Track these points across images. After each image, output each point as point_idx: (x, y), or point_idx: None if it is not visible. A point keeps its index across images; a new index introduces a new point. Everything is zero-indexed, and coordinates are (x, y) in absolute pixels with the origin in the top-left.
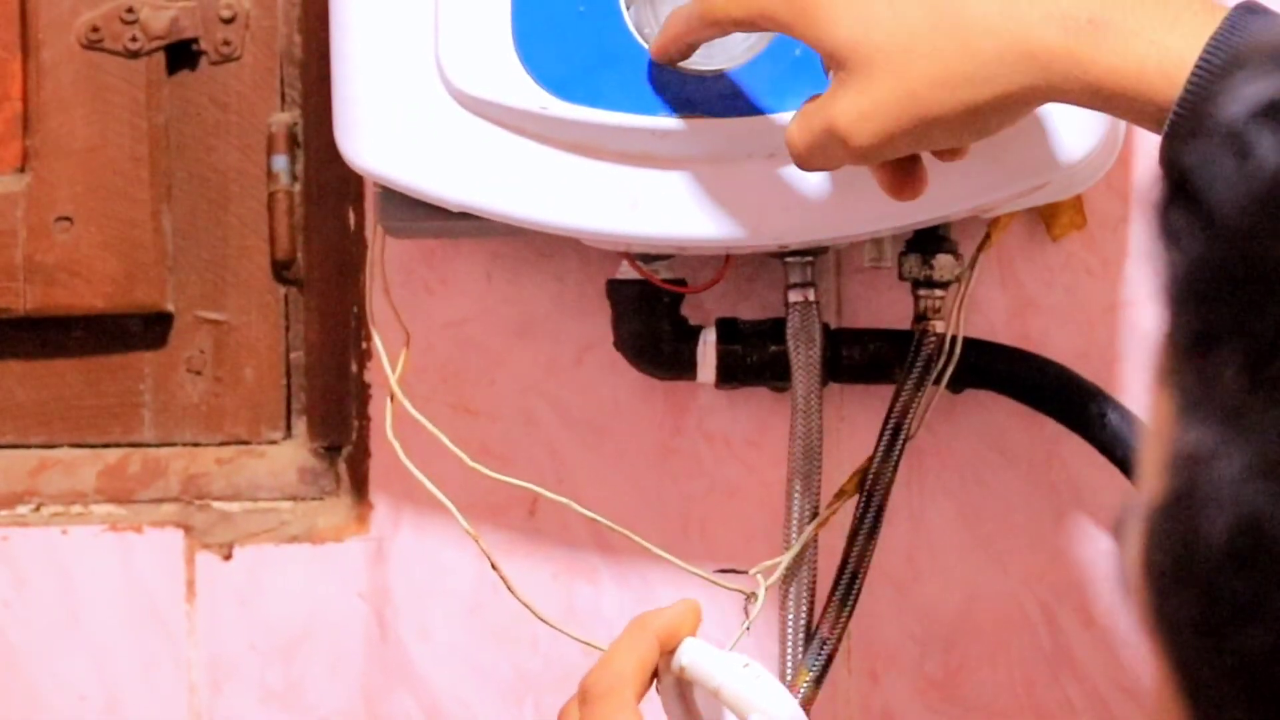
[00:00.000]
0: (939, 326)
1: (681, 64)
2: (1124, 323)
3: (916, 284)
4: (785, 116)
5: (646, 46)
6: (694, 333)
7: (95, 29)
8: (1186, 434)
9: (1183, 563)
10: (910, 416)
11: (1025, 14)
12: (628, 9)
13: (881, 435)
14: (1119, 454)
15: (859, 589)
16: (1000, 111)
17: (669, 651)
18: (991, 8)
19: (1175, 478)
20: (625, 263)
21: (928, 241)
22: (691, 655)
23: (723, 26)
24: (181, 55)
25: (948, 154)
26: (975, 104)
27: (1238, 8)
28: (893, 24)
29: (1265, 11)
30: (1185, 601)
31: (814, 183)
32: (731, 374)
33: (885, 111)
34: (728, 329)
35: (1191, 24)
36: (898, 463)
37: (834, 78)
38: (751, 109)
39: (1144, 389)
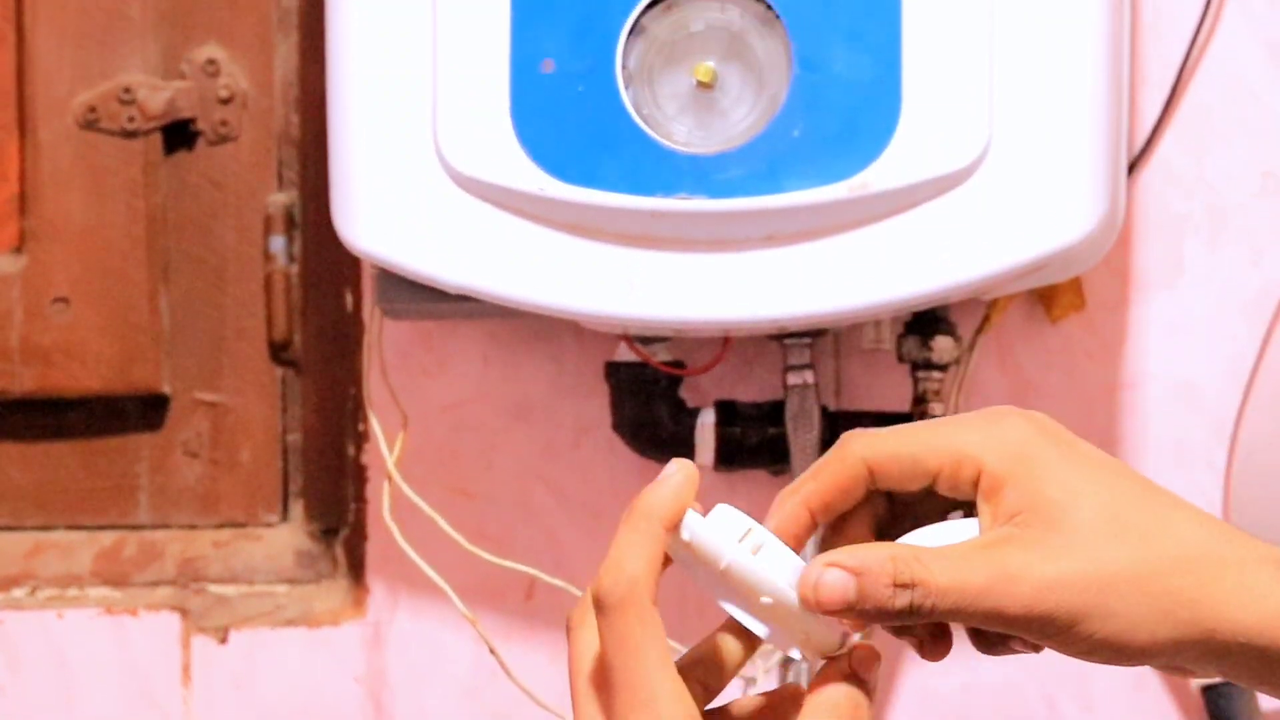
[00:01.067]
0: (938, 409)
1: (681, 145)
2: (1123, 404)
3: (915, 366)
4: (783, 198)
5: (645, 127)
6: (692, 415)
7: (92, 109)
8: None
9: None
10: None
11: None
12: (626, 90)
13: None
14: None
15: None
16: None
17: (674, 528)
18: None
19: None
20: (623, 344)
21: (927, 324)
22: (693, 531)
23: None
24: (179, 136)
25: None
26: (1139, 651)
27: None
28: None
29: None
30: None
31: (813, 266)
32: (730, 456)
33: (1066, 597)
34: (726, 411)
35: None
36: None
37: (1009, 529)
38: (751, 190)
39: (1143, 470)
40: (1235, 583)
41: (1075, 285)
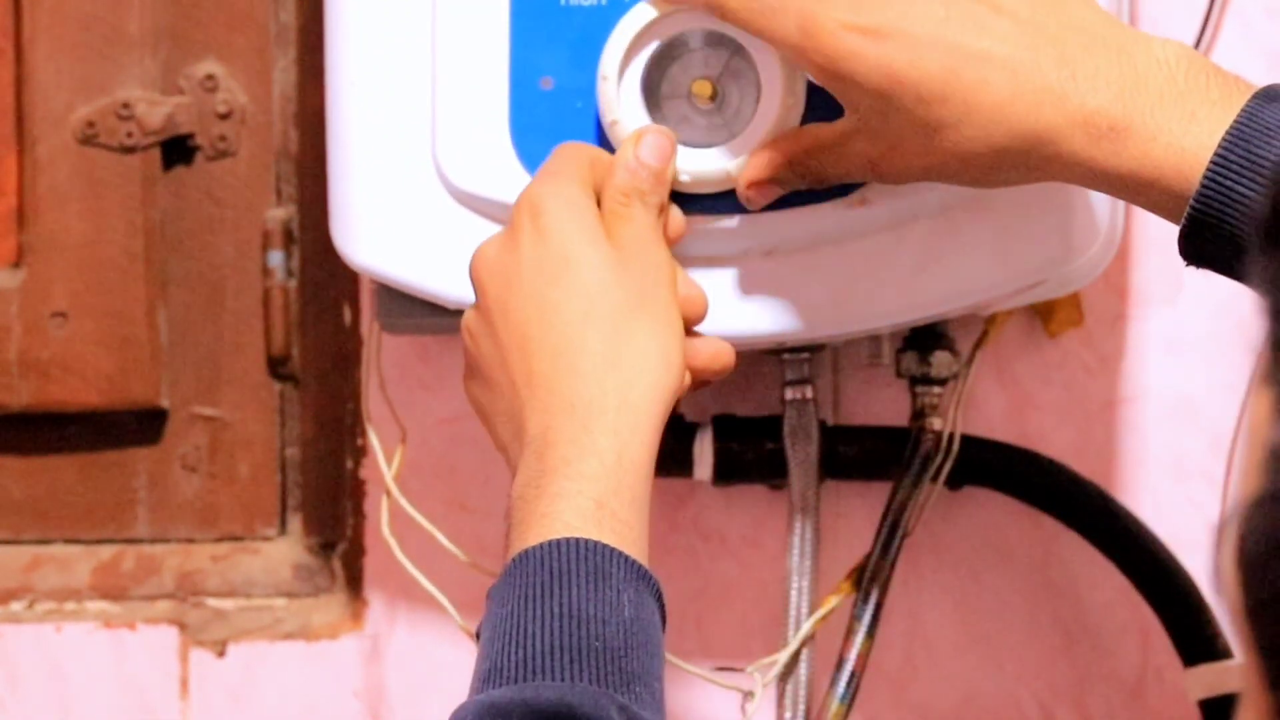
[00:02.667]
0: (936, 424)
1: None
2: (1122, 419)
3: (914, 381)
4: (783, 214)
5: None
6: (691, 430)
7: (91, 124)
8: None
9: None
10: (908, 514)
11: (1049, 117)
12: None
13: (879, 533)
14: (1117, 551)
15: (856, 687)
16: (1008, 184)
17: None
18: (1015, 106)
19: (1276, 467)
20: None
21: (925, 339)
22: None
23: (724, 15)
24: (177, 151)
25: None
26: (984, 180)
27: (1256, 97)
28: (917, 83)
29: None
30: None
31: (812, 282)
32: (728, 471)
33: (905, 162)
34: (724, 426)
35: (1208, 120)
36: (895, 560)
37: (861, 119)
38: (747, 207)
39: (1141, 486)
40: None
41: (1074, 301)
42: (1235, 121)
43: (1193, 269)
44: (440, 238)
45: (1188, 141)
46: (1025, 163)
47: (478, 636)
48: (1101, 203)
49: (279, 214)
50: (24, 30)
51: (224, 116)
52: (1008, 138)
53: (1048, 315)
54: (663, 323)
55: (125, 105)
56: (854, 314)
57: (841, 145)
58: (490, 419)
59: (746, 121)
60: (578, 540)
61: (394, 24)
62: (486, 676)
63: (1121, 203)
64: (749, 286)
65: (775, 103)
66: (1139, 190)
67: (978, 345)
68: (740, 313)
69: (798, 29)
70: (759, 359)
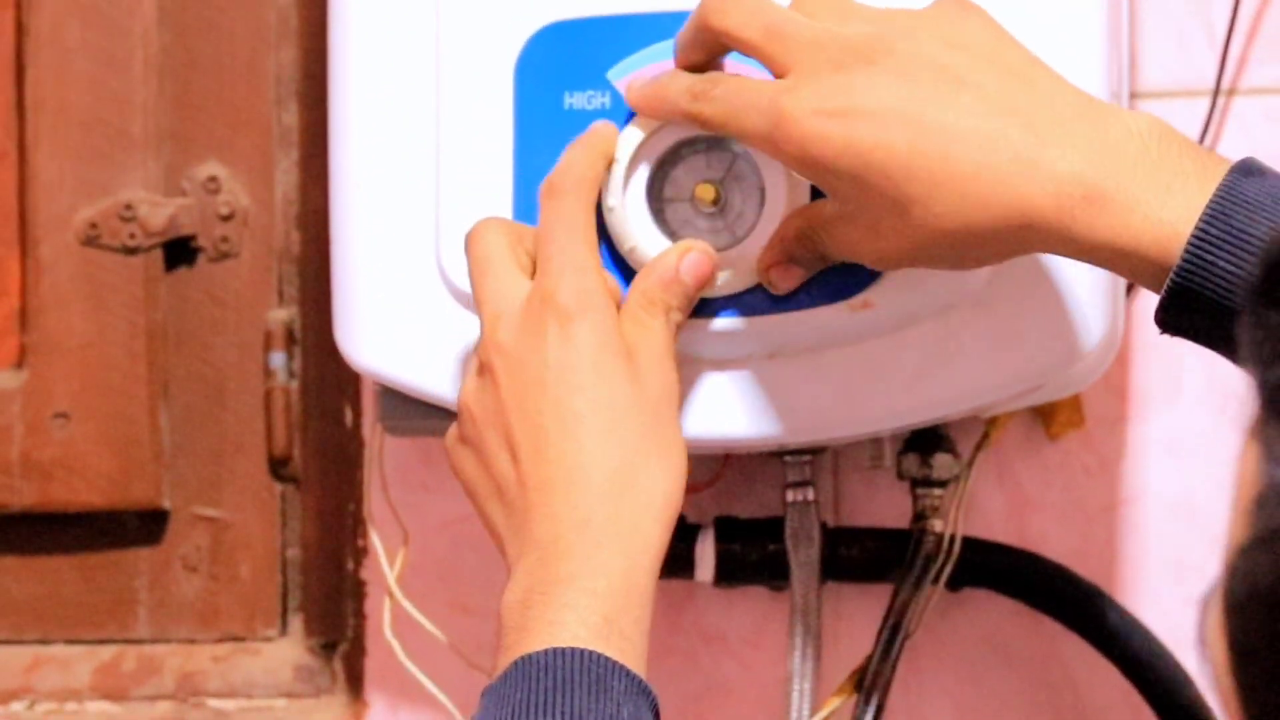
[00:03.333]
0: (937, 525)
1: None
2: (1122, 521)
3: (915, 483)
4: (785, 317)
5: None
6: (692, 531)
7: (93, 225)
8: (1275, 473)
9: (1267, 589)
10: (909, 615)
11: (1021, 186)
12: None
13: (880, 634)
14: (1118, 653)
15: None
16: (990, 262)
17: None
18: (984, 177)
19: (1263, 514)
20: None
21: (926, 441)
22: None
23: (703, 124)
24: (180, 252)
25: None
26: (966, 259)
27: (1233, 170)
28: (884, 161)
29: (1261, 172)
30: (1264, 622)
31: (814, 384)
32: (730, 573)
33: (885, 244)
34: (726, 527)
35: (1184, 193)
36: (896, 662)
37: (841, 202)
38: (753, 309)
39: (1142, 588)
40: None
41: (1074, 403)
42: (1215, 195)
43: (1175, 335)
44: (443, 340)
45: (1166, 214)
46: (1000, 237)
47: None
48: (1101, 306)
49: (281, 315)
50: (27, 131)
51: (226, 218)
52: (979, 210)
53: (1049, 417)
54: (674, 446)
55: (128, 206)
56: (856, 416)
57: (832, 227)
58: (478, 495)
59: (750, 225)
60: (583, 651)
61: (398, 125)
62: None
63: (1122, 306)
64: (752, 389)
65: (779, 206)
66: (1116, 260)
67: (979, 447)
68: (743, 415)
69: (768, 122)
70: (761, 461)
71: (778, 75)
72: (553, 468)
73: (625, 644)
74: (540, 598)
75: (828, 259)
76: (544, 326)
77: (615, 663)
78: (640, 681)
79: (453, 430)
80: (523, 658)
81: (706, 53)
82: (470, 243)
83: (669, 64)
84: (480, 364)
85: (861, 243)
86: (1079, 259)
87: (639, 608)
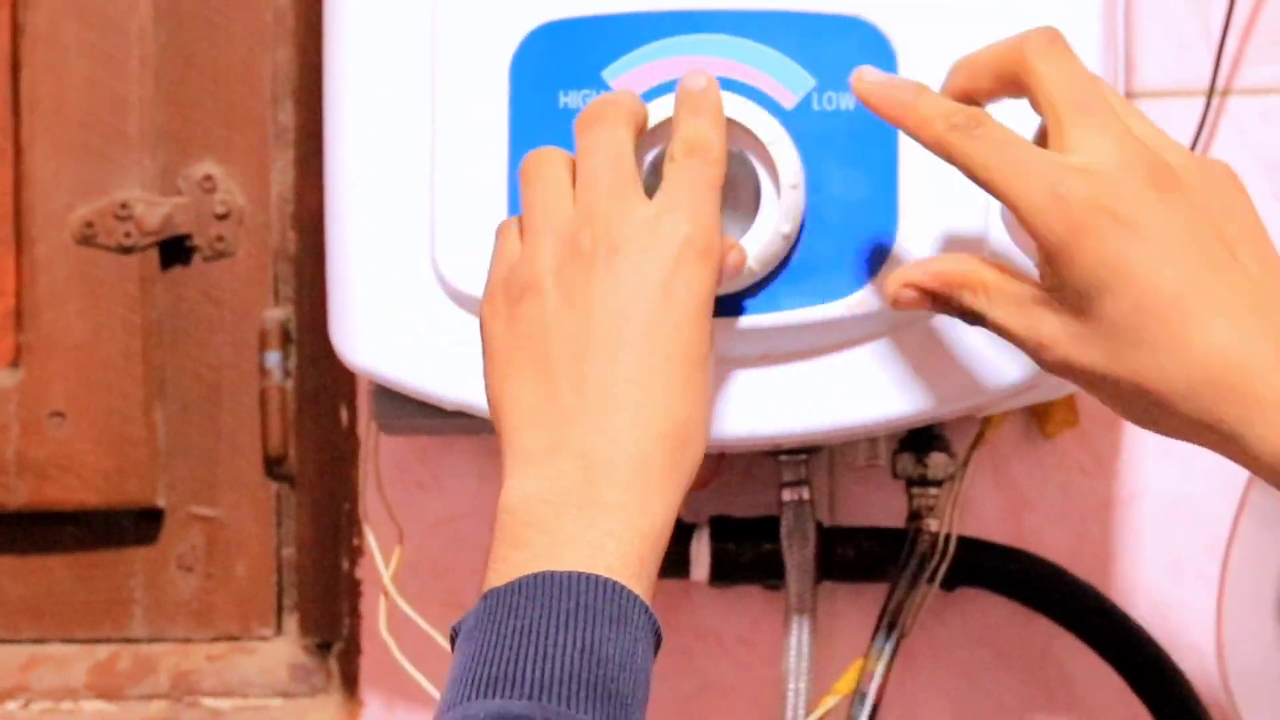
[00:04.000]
0: (933, 525)
1: None
2: (1118, 520)
3: (910, 482)
4: (779, 316)
5: None
6: (688, 531)
7: (89, 224)
8: None
9: None
10: (904, 615)
11: (1256, 388)
12: None
13: (875, 633)
14: (1113, 652)
15: None
16: (1167, 435)
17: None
18: (1228, 361)
19: None
20: None
21: (921, 440)
22: None
23: (953, 159)
24: (175, 251)
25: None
26: (1148, 421)
27: None
28: (1146, 293)
29: None
30: None
31: (809, 384)
32: (725, 572)
33: (1076, 355)
34: (721, 527)
35: None
36: (891, 661)
37: (1049, 295)
38: (747, 309)
39: (1138, 587)
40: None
41: (1069, 402)
42: None
43: None
44: (438, 339)
45: None
46: (1205, 422)
47: (455, 635)
48: None
49: (276, 314)
50: (23, 131)
51: (222, 217)
52: (1201, 387)
53: (1044, 417)
54: (709, 392)
55: (124, 206)
56: (851, 416)
57: (1021, 304)
58: (509, 361)
59: (745, 226)
60: (611, 582)
61: (394, 125)
62: (494, 681)
63: None
64: (746, 388)
65: (774, 208)
66: None
67: (974, 447)
68: (737, 414)
69: (1047, 193)
70: (756, 460)
71: (1055, 147)
72: (623, 385)
73: (649, 584)
74: (577, 512)
75: (977, 321)
76: (665, 247)
77: (637, 598)
78: (655, 620)
79: (499, 278)
80: (547, 573)
81: (993, 87)
82: (598, 122)
83: (665, 64)
84: (574, 241)
85: (1051, 344)
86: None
87: (662, 551)
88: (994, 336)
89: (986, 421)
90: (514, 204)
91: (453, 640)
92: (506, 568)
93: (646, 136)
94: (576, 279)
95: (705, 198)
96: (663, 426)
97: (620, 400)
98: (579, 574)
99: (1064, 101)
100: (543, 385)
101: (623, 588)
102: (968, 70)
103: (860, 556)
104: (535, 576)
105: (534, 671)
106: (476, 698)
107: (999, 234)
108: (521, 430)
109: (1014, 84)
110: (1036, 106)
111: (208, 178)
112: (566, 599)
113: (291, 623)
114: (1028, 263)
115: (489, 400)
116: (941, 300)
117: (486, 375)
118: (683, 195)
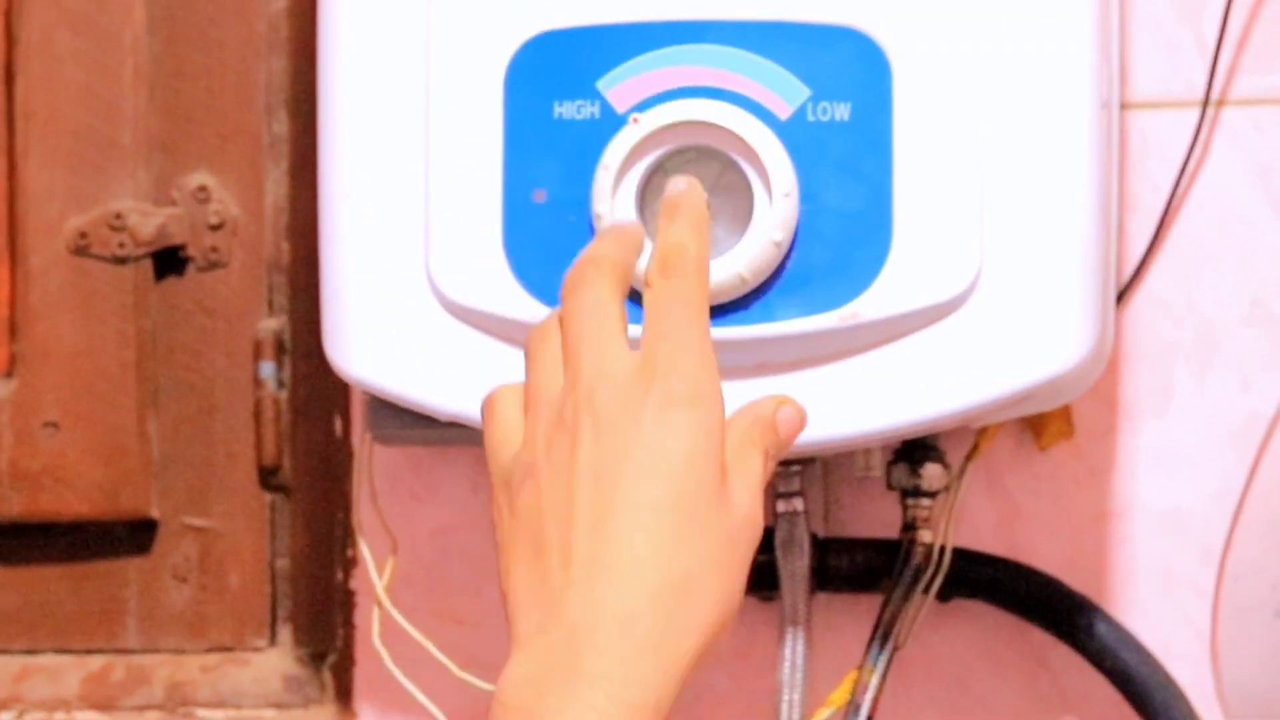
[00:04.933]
0: (927, 536)
1: None
2: (1112, 532)
3: (905, 493)
4: (774, 327)
5: None
6: None
7: (83, 235)
8: None
9: None
10: (899, 626)
11: None
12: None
13: (870, 644)
14: (1107, 664)
15: None
16: None
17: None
18: None
19: None
20: None
21: (916, 451)
22: None
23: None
24: (169, 261)
25: None
26: None
27: None
28: None
29: None
30: None
31: (803, 395)
32: None
33: None
34: None
35: None
36: (886, 672)
37: None
38: (741, 320)
39: (1132, 599)
40: None
41: (1064, 413)
42: None
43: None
44: (433, 350)
45: None
46: None
47: None
48: (1091, 316)
49: (271, 325)
50: (17, 141)
51: (216, 227)
52: None
53: (1039, 428)
54: (739, 580)
55: (118, 216)
56: (845, 427)
57: None
58: (511, 551)
59: (738, 235)
60: None
61: (388, 135)
62: None
63: (1111, 316)
64: (739, 401)
65: (768, 216)
66: None
67: (969, 458)
68: None
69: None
70: None
71: None
72: (608, 548)
73: None
74: (561, 688)
75: None
76: (645, 401)
77: None
78: None
79: (502, 471)
80: None
81: None
82: (578, 286)
83: (660, 74)
84: (560, 416)
85: None
86: None
87: None
88: (989, 347)
89: (981, 433)
90: (508, 212)
91: None
92: None
93: (645, 146)
94: (563, 453)
95: (686, 329)
96: (653, 584)
97: (606, 562)
98: None
99: None
100: (537, 566)
101: None
102: None
103: (855, 567)
104: None
105: None
106: None
107: (992, 246)
108: (518, 616)
109: None
110: None
111: (202, 188)
112: None
113: (285, 633)
114: None
115: (500, 596)
116: None
117: (498, 571)
118: (661, 336)
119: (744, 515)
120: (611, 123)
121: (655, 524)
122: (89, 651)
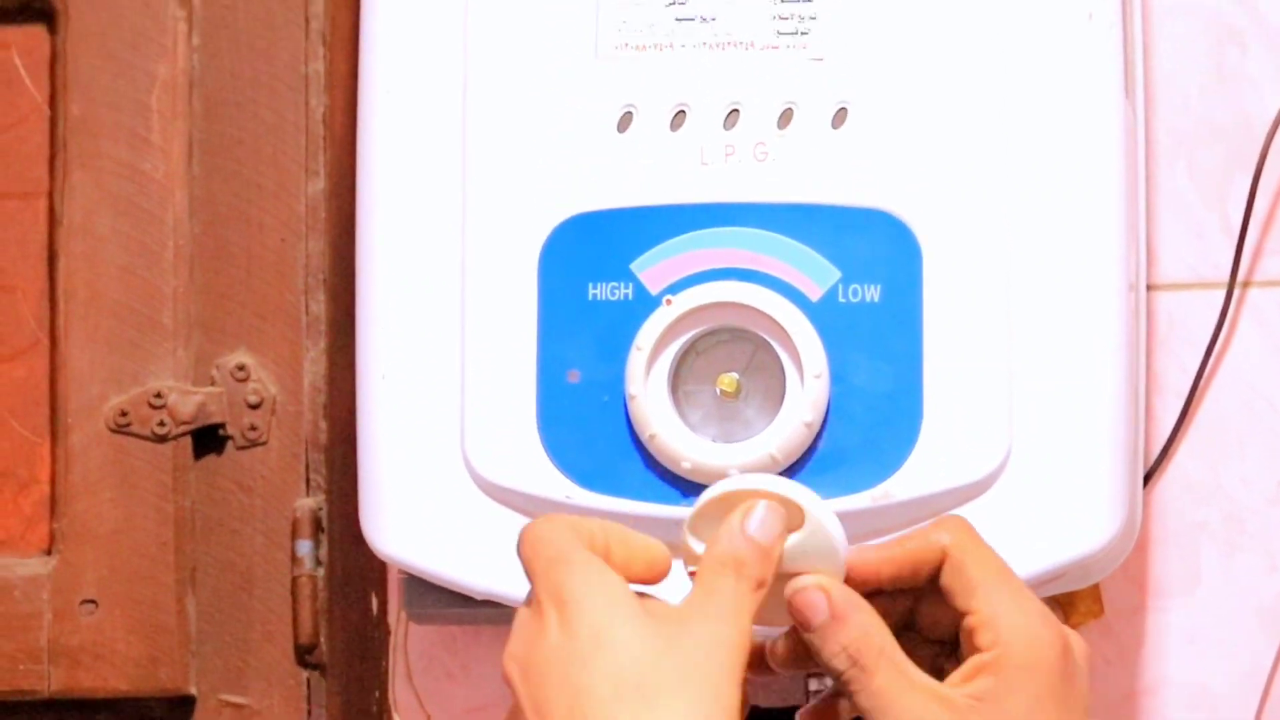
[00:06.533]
0: None
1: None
2: (1142, 711)
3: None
4: None
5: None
6: None
7: (123, 413)
8: None
9: None
10: None
11: None
12: None
13: None
14: None
15: None
16: None
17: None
18: None
19: None
20: None
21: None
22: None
23: None
24: (208, 440)
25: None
26: None
27: None
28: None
29: None
30: None
31: None
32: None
33: None
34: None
35: None
36: None
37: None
38: None
39: None
40: None
41: (1094, 592)
42: None
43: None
44: (468, 529)
45: None
46: None
47: None
48: (1120, 495)
49: (308, 503)
50: (59, 321)
51: (255, 406)
52: None
53: (1069, 607)
54: (708, 700)
55: (158, 395)
56: None
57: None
58: None
59: (771, 416)
60: None
61: (423, 316)
62: None
63: (1140, 495)
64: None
65: (800, 398)
66: None
67: None
68: None
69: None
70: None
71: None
72: None
73: None
74: None
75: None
76: (545, 620)
77: None
78: None
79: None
80: None
81: (897, 574)
82: (532, 542)
83: (693, 256)
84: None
85: None
86: None
87: None
88: (1019, 527)
89: None
90: (542, 395)
91: None
92: None
93: (678, 328)
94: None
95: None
96: None
97: None
98: None
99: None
100: None
101: None
102: (877, 560)
103: None
104: None
105: None
106: None
107: (1022, 426)
108: None
109: (925, 572)
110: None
111: (241, 367)
112: None
113: None
114: None
115: None
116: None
117: None
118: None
119: (702, 640)
120: (645, 304)
121: (591, 707)
122: None
